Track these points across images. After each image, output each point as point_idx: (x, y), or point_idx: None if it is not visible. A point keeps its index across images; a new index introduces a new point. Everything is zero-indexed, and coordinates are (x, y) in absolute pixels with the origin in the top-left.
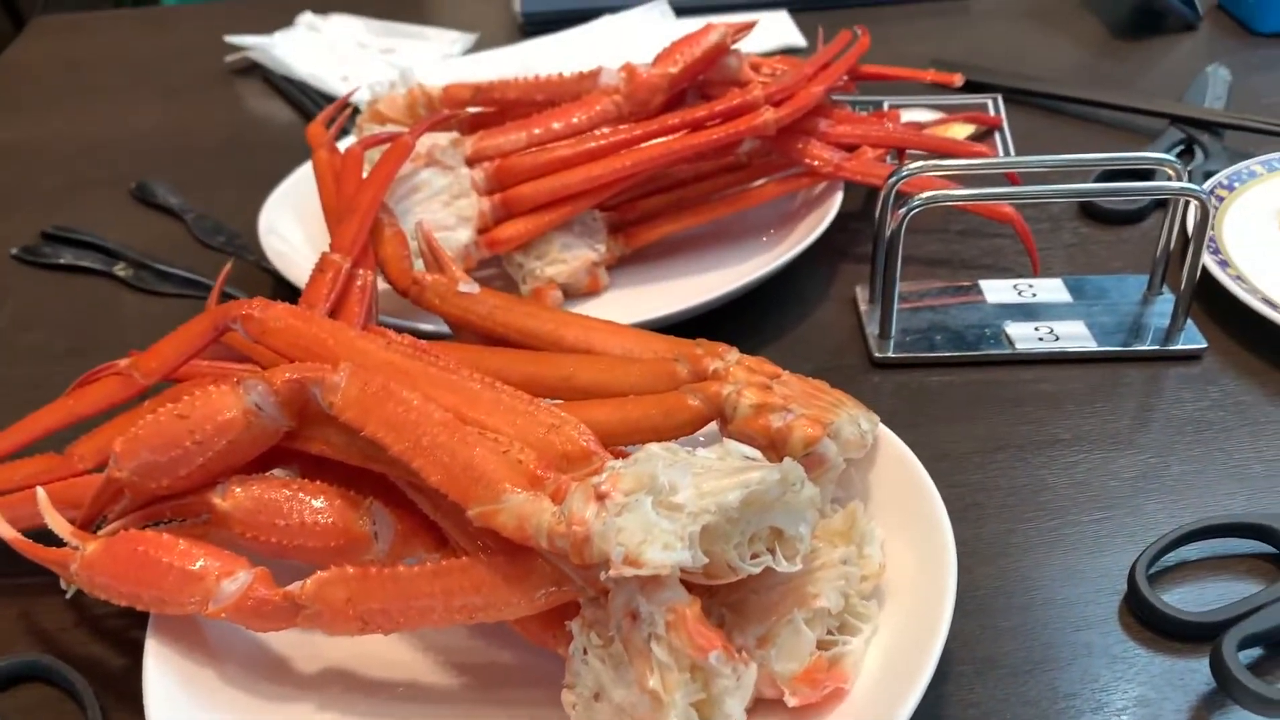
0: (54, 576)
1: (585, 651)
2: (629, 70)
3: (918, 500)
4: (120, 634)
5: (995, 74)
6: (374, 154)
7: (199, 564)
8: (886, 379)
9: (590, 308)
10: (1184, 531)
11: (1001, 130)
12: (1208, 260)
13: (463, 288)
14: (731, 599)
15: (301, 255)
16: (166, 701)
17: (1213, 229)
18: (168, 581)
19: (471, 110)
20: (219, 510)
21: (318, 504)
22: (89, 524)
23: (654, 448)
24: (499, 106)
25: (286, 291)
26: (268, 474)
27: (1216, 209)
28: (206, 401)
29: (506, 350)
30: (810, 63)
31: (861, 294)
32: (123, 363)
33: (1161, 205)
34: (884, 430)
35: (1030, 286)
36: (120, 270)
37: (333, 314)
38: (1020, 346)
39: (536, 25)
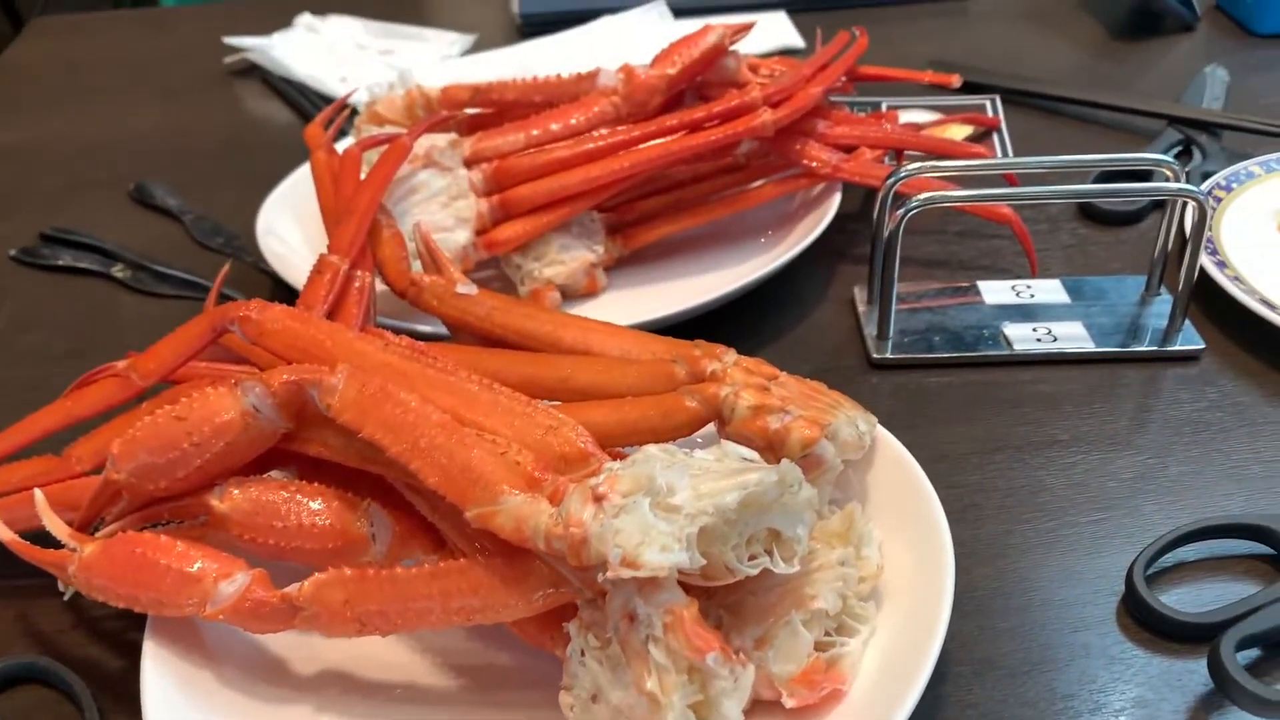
0: (52, 578)
1: (583, 653)
2: (627, 71)
3: (915, 501)
4: (118, 636)
5: (993, 75)
6: (372, 155)
7: (197, 566)
8: (884, 380)
9: (588, 309)
10: (1182, 532)
11: (999, 131)
12: (1205, 261)
13: (461, 289)
14: (729, 600)
15: (299, 257)
16: (164, 703)
17: (1210, 230)
18: (165, 583)
19: (470, 111)
20: (217, 512)
21: (315, 506)
22: (87, 526)
23: (652, 449)
24: (497, 108)
25: (285, 293)
26: (265, 476)
27: (1214, 210)
28: (204, 403)
29: (504, 351)
30: (808, 64)
31: (859, 295)
32: (120, 364)
33: (1159, 206)
34: (882, 431)
35: (1028, 287)
36: (119, 272)
37: (330, 315)
38: (1018, 347)
39: (535, 26)
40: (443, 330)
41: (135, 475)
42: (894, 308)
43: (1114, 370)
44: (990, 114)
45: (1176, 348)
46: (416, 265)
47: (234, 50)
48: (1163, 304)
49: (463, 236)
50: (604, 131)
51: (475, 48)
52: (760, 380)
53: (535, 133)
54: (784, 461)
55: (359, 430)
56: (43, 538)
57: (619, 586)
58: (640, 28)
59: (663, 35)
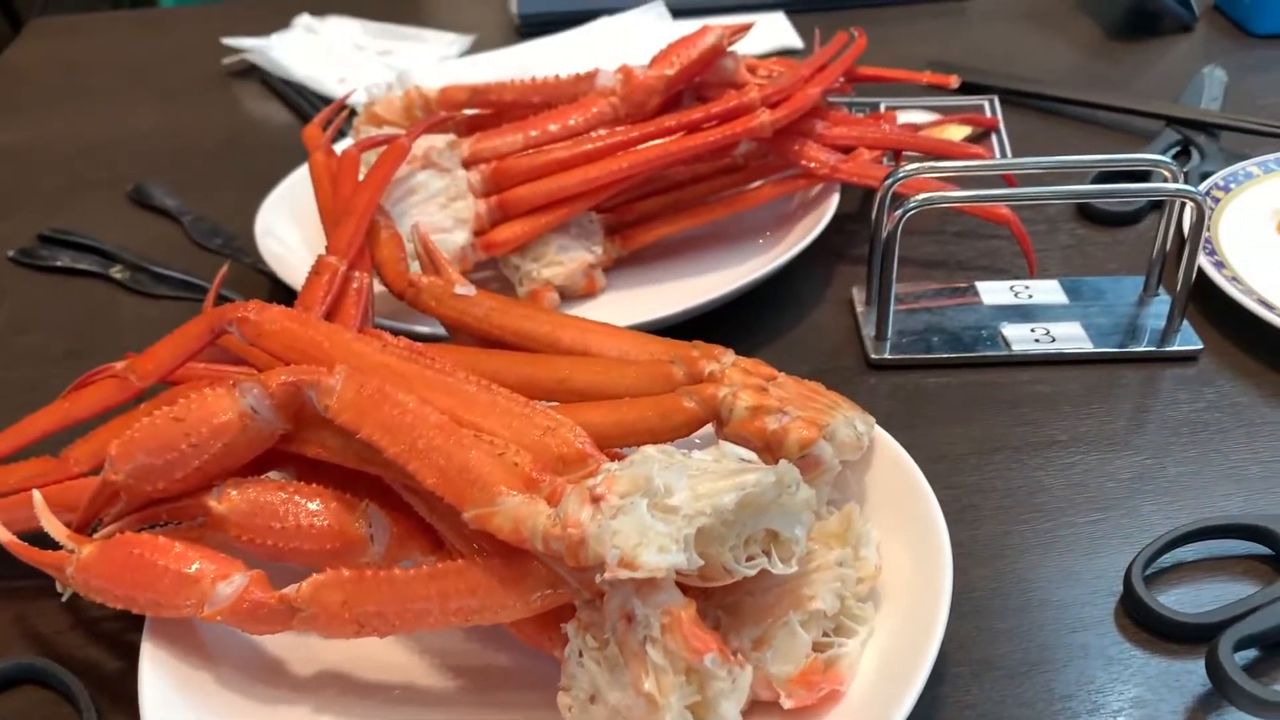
0: (50, 579)
1: (581, 654)
2: (625, 72)
3: (913, 502)
4: (116, 637)
5: (992, 75)
6: (370, 156)
7: (194, 567)
8: (883, 380)
9: (587, 310)
10: (1180, 533)
11: (998, 132)
12: (1204, 261)
13: (459, 290)
14: (727, 601)
15: (298, 258)
16: (162, 704)
17: (1209, 230)
18: (163, 584)
19: (468, 112)
20: (215, 513)
21: (313, 507)
22: (85, 527)
23: (650, 450)
24: (496, 108)
25: (283, 294)
26: (263, 477)
27: (1212, 210)
28: (202, 404)
29: (503, 352)
30: (807, 64)
31: (858, 296)
32: (119, 365)
33: (1158, 206)
34: (880, 432)
35: (1026, 288)
36: (117, 273)
37: (329, 316)
38: (1016, 348)
39: (533, 27)
40: (441, 331)
41: (133, 476)
42: (892, 308)
43: (1112, 371)
44: (988, 114)
45: (1174, 348)
46: (415, 266)
47: (233, 51)
48: (1161, 304)
49: (461, 237)
50: (602, 132)
51: (474, 48)
52: (758, 381)
53: (533, 134)
54: (782, 462)
55: (357, 431)
56: (41, 539)
57: (617, 587)
58: (638, 28)
59: (661, 36)
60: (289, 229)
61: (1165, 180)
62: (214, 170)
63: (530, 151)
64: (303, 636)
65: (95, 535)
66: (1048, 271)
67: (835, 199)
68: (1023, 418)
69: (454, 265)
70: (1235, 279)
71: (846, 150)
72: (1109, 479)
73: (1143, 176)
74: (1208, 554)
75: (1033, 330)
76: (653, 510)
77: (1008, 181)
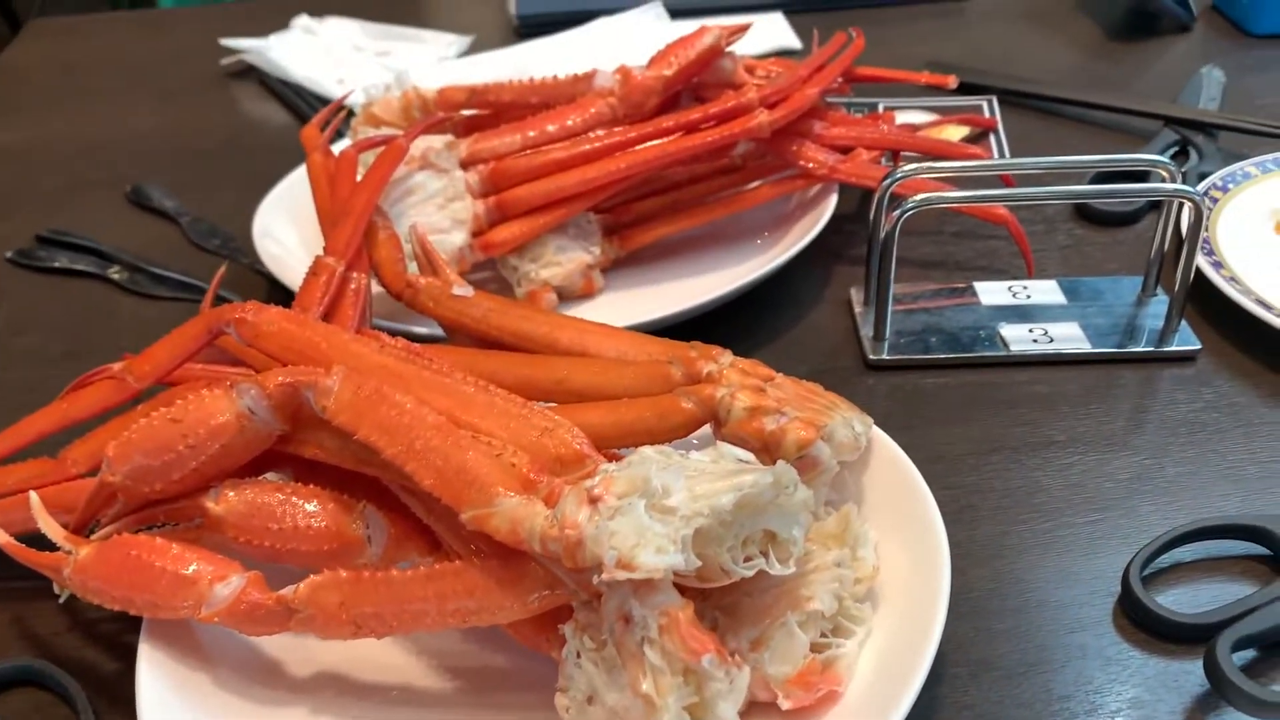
0: (47, 581)
1: (578, 655)
2: (624, 73)
3: (911, 502)
4: (113, 638)
5: (990, 76)
6: (368, 157)
7: (192, 568)
8: (881, 381)
9: (585, 310)
10: (1178, 533)
11: (996, 132)
12: (1202, 262)
13: (457, 291)
14: (725, 602)
15: (296, 258)
16: (159, 706)
17: (1207, 230)
18: (160, 586)
19: (466, 113)
20: (212, 514)
21: (311, 508)
22: (82, 528)
23: (647, 451)
24: (494, 109)
25: (281, 295)
26: (261, 478)
27: (1211, 210)
28: (199, 405)
29: (500, 353)
30: (805, 65)
31: (856, 296)
32: (116, 366)
33: (1156, 207)
34: (878, 433)
35: (1025, 288)
36: (115, 273)
37: (326, 317)
38: (1015, 348)
39: (532, 28)
40: (439, 332)
41: (130, 477)
42: (890, 309)
43: (1110, 371)
44: (987, 115)
45: (1173, 348)
46: (413, 267)
47: (231, 52)
48: (1159, 304)
49: (459, 238)
50: (600, 133)
51: (472, 49)
52: (756, 382)
53: (532, 134)
54: (780, 463)
55: (354, 432)
56: (38, 540)
57: (614, 588)
58: (637, 29)
59: (659, 36)
60: (287, 230)
61: (1163, 180)
62: (212, 171)
63: (528, 152)
64: (300, 638)
65: (93, 536)
66: (1046, 272)
67: (833, 199)
68: (1021, 418)
69: (452, 266)
70: (1233, 279)
71: (845, 151)
72: (1107, 479)
73: (1141, 177)
74: (1206, 554)
75: (1031, 330)
76: (650, 511)
77: (1006, 182)
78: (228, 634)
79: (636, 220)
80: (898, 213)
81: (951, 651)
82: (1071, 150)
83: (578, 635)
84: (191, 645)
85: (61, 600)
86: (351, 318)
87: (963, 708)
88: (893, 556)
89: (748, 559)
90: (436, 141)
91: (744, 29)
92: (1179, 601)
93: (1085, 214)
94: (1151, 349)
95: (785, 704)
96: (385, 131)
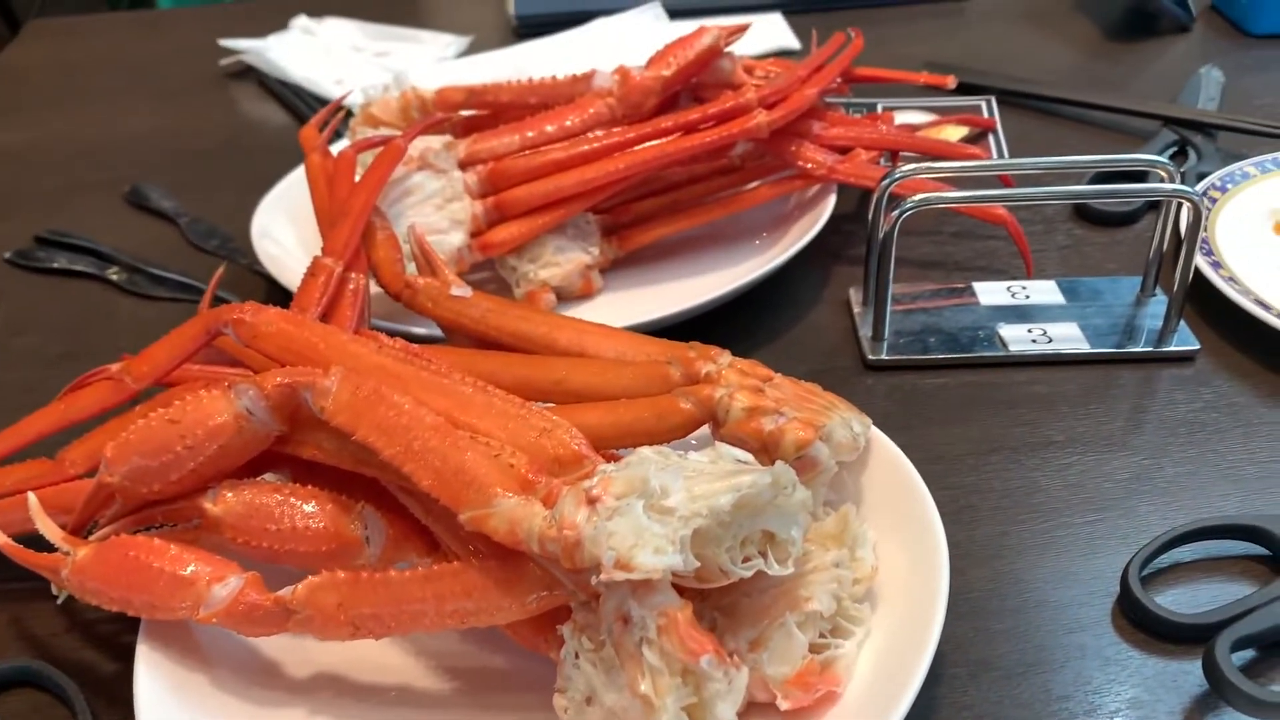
0: (45, 582)
1: (577, 656)
2: (622, 73)
3: (910, 503)
4: (111, 639)
5: (989, 76)
6: (367, 158)
7: (190, 569)
8: (880, 381)
9: (583, 311)
10: (1177, 533)
11: (995, 132)
12: (1200, 262)
13: (455, 291)
14: (723, 602)
15: (294, 259)
16: (157, 707)
17: (1205, 230)
18: (159, 586)
19: (465, 113)
20: (210, 515)
21: (309, 508)
22: (80, 529)
23: (646, 451)
24: (492, 109)
25: (279, 295)
26: (259, 479)
27: (1209, 210)
28: (198, 406)
29: (499, 354)
30: (804, 65)
31: (855, 296)
32: (114, 367)
33: (1155, 207)
34: (876, 433)
35: (1024, 288)
36: (114, 274)
37: (325, 318)
38: (1014, 348)
39: (530, 28)
40: (437, 332)
41: (129, 478)
42: (889, 309)
43: (1109, 371)
44: (986, 115)
45: (1172, 348)
46: (411, 267)
47: (230, 52)
48: (1158, 305)
49: (457, 239)
50: (599, 133)
51: (471, 49)
52: (755, 382)
53: (530, 134)
54: (778, 463)
55: (352, 433)
56: (36, 541)
57: (613, 589)
58: (636, 29)
59: (658, 37)
60: (285, 230)
61: (1162, 181)
62: (211, 171)
63: (527, 152)
64: (298, 639)
65: (91, 537)
66: (1045, 272)
67: (832, 200)
68: (1020, 418)
69: (450, 266)
70: (1232, 279)
71: (843, 151)
72: (1106, 479)
73: (1140, 177)
74: (1205, 554)
75: (1030, 331)
76: (649, 512)
77: (1005, 182)
78: (226, 635)
79: (635, 221)
80: (896, 213)
81: (950, 652)
82: (1070, 150)
83: (576, 636)
84: (189, 646)
85: (60, 601)
86: (350, 318)
87: (961, 708)
88: (891, 557)
89: (746, 559)
90: (435, 142)
91: (743, 29)
92: (1178, 602)
93: (1084, 214)
94: (1150, 349)
95: (784, 704)
96: (384, 132)
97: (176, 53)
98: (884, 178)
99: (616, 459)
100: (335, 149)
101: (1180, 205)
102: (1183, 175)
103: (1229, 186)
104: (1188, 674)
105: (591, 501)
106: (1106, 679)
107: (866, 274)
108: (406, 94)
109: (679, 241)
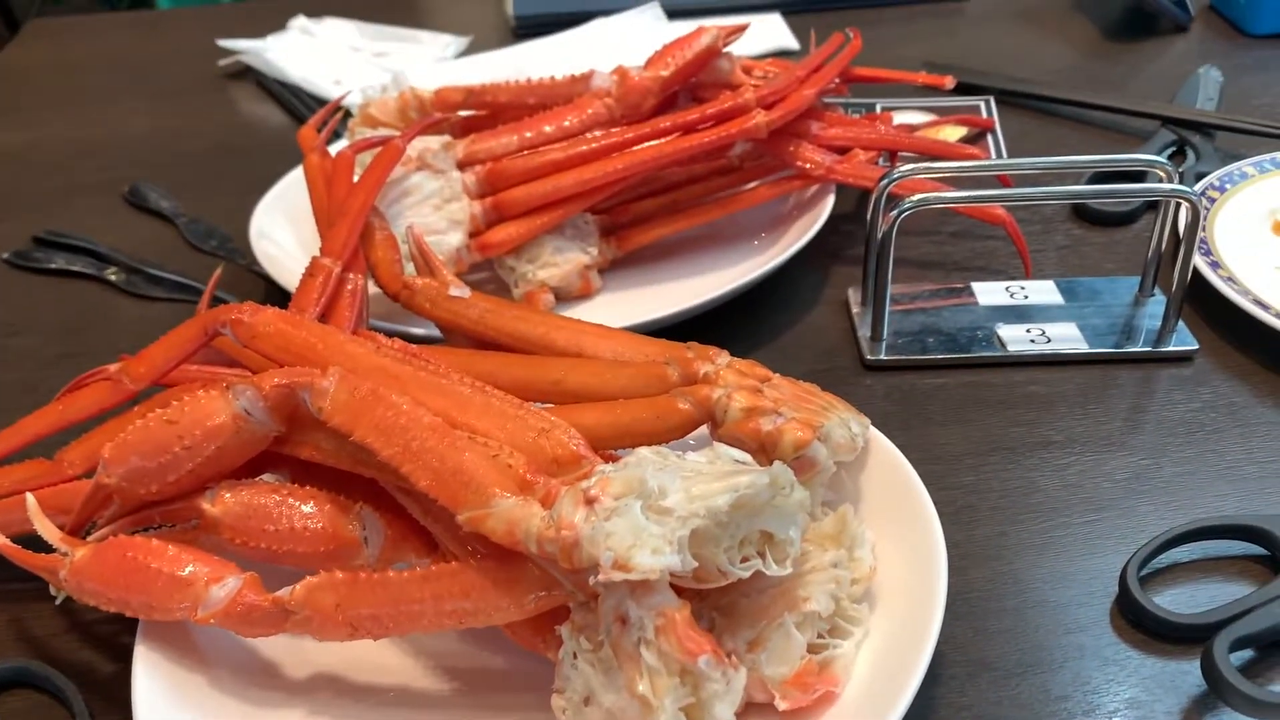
0: (43, 582)
1: (575, 656)
2: (621, 73)
3: (909, 503)
4: (109, 640)
5: (987, 76)
6: (365, 158)
7: (188, 569)
8: (878, 381)
9: (582, 311)
10: (1175, 533)
11: (994, 132)
12: (1199, 262)
13: (454, 292)
14: (721, 603)
15: (293, 259)
16: (156, 707)
17: (1204, 230)
18: (157, 587)
19: (463, 114)
20: (208, 515)
21: (307, 509)
22: (78, 530)
23: (644, 451)
24: (491, 110)
25: (278, 296)
26: (257, 479)
27: (1208, 210)
28: (195, 406)
29: (497, 354)
30: (802, 65)
31: (853, 296)
32: (113, 368)
33: (1153, 207)
34: (875, 433)
35: (1022, 288)
36: (112, 274)
37: (323, 318)
38: (1012, 348)
39: (529, 28)
40: (435, 333)
41: (127, 479)
42: (888, 309)
43: (1108, 371)
44: (984, 115)
45: (1170, 348)
46: (409, 268)
47: (229, 53)
48: (1156, 305)
49: (456, 239)
50: (598, 133)
51: (469, 50)
52: (753, 382)
53: (529, 135)
54: (776, 464)
55: (350, 433)
56: (34, 542)
57: (611, 589)
58: (634, 29)
59: (657, 37)
60: (284, 231)
61: (1161, 180)
62: (209, 172)
63: (525, 153)
64: (296, 639)
65: (89, 538)
66: (1043, 272)
67: (831, 200)
68: (1018, 418)
69: (449, 267)
70: (1231, 279)
71: (842, 151)
72: (1105, 479)
73: (1138, 177)
74: (1203, 554)
75: (1028, 331)
76: (647, 512)
77: (1003, 182)
78: (224, 635)
79: (634, 221)
80: (895, 213)
81: (949, 652)
82: (1069, 150)
83: (574, 636)
84: (188, 647)
85: (58, 602)
86: (348, 319)
87: (960, 708)
88: (890, 557)
89: (744, 560)
90: (433, 142)
91: (741, 29)
92: (1176, 602)
93: (1083, 214)
94: (1149, 349)
95: (782, 705)
96: (382, 132)
97: (175, 53)
98: (882, 178)
99: (615, 459)
100: (334, 149)
101: (1179, 205)
102: (1181, 175)
103: (1227, 186)
104: (1186, 674)
105: (589, 502)
106: (1105, 679)
107: (865, 274)
108: (405, 94)
109: (678, 242)
